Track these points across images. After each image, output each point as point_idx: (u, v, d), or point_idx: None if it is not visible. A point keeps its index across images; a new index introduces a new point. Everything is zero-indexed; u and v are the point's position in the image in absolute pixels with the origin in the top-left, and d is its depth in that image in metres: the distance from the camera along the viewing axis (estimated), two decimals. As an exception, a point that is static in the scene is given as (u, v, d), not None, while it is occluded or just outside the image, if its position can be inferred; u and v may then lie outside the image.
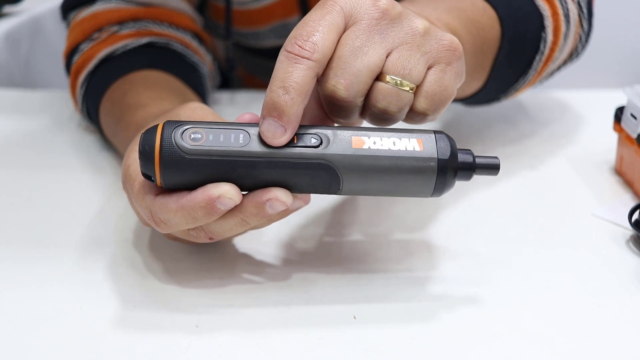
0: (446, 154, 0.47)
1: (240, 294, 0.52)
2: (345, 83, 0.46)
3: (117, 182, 0.68)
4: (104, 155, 0.73)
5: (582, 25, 0.74)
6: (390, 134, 0.47)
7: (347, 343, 0.47)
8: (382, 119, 0.48)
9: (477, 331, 0.48)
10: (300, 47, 0.45)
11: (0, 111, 0.85)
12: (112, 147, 0.72)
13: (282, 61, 0.46)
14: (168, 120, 0.46)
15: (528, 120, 0.82)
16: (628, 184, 0.66)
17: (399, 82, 0.47)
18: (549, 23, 0.68)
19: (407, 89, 0.47)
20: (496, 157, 0.49)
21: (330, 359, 0.46)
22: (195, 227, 0.48)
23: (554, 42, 0.70)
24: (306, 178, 0.46)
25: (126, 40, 0.73)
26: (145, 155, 0.46)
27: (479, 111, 0.80)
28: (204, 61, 0.79)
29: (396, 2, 0.49)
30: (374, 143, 0.46)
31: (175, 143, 0.45)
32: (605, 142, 0.72)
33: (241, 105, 0.85)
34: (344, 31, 0.47)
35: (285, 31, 0.89)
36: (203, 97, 0.75)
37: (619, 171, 0.68)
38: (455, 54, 0.49)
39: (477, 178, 0.65)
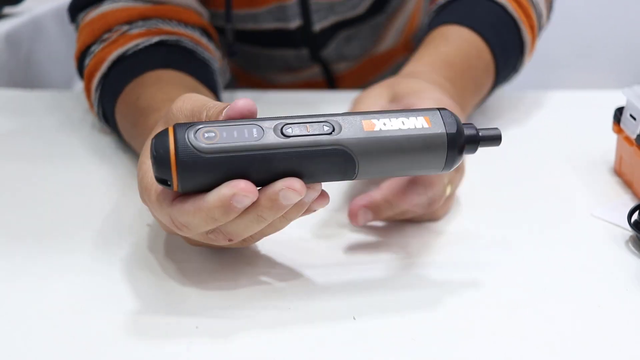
0: (453, 128, 0.48)
1: (240, 294, 0.52)
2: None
3: (117, 182, 0.68)
4: (107, 153, 0.73)
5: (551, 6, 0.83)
6: (398, 114, 0.48)
7: (347, 343, 0.47)
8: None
9: (477, 331, 0.48)
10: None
11: (1, 110, 0.86)
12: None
13: None
14: (178, 123, 0.46)
15: (527, 120, 0.82)
16: (627, 184, 0.66)
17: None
18: (527, 51, 0.79)
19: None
20: (497, 128, 0.51)
21: (330, 359, 0.46)
22: (214, 230, 0.48)
23: (532, 40, 0.79)
24: (322, 165, 0.47)
25: (137, 39, 0.73)
26: (160, 159, 0.45)
27: (478, 111, 0.80)
28: (214, 57, 0.79)
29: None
30: (384, 124, 0.48)
31: (190, 144, 0.44)
32: (604, 143, 0.72)
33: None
34: None
35: (282, 14, 0.89)
36: (216, 93, 0.76)
37: (618, 172, 0.68)
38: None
39: (476, 177, 0.65)
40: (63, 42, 1.28)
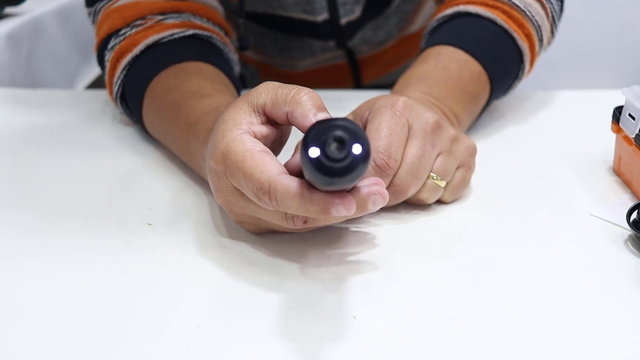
0: None
1: (240, 294, 0.52)
2: (414, 183, 0.59)
3: (119, 181, 0.68)
4: (108, 152, 0.73)
5: (554, 22, 0.83)
6: None
7: (347, 343, 0.47)
8: (413, 202, 0.62)
9: (476, 331, 0.48)
10: (387, 163, 0.57)
11: (4, 110, 0.86)
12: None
13: (373, 172, 0.57)
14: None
15: (527, 119, 0.82)
16: (626, 183, 0.66)
17: (439, 179, 0.60)
18: (527, 58, 0.79)
19: (443, 185, 0.61)
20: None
21: (330, 358, 0.46)
22: (294, 215, 0.50)
23: (531, 62, 0.80)
24: None
25: (173, 29, 0.75)
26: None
27: (478, 111, 0.80)
28: (236, 59, 0.81)
29: (436, 114, 0.61)
30: None
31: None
32: (603, 142, 0.72)
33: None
34: (407, 138, 0.59)
35: (309, 7, 0.90)
36: (239, 94, 0.77)
37: (617, 171, 0.68)
38: (474, 156, 0.63)
39: (475, 175, 0.65)
40: (63, 42, 1.28)
